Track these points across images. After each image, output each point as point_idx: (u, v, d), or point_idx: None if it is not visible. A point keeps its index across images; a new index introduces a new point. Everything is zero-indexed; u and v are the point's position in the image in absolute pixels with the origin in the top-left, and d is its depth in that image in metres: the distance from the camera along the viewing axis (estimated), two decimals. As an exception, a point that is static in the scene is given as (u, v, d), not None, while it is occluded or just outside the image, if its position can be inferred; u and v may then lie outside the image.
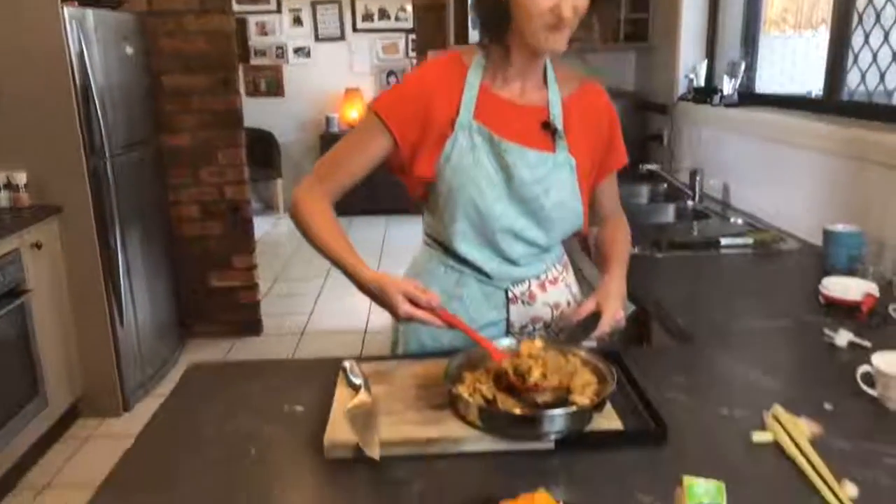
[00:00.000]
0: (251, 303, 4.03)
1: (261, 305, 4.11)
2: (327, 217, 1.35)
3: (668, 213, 2.85)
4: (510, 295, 1.43)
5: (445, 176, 1.33)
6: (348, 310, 4.30)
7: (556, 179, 1.35)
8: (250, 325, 4.04)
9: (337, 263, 1.30)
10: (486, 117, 1.33)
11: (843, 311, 1.56)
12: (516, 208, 1.35)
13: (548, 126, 1.36)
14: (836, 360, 1.37)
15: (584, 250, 2.29)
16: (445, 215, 1.37)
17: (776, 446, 1.06)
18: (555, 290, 1.47)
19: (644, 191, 3.17)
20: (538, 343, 1.21)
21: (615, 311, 1.31)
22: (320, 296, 4.73)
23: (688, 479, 0.78)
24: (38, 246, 2.78)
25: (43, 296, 2.83)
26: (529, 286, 1.44)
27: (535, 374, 1.13)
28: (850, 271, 1.75)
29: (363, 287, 1.26)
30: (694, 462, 0.88)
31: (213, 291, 3.95)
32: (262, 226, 5.97)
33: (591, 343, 1.34)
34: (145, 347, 3.37)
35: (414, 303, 1.20)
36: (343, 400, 1.16)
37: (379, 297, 1.23)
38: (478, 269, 1.41)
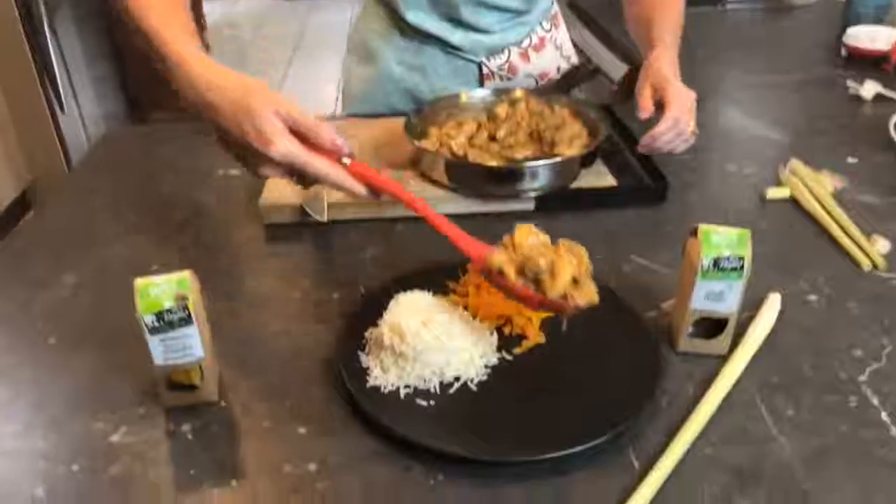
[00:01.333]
0: (208, 89, 3.72)
1: (219, 93, 3.80)
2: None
3: (667, -27, 2.52)
4: (485, 70, 1.15)
5: None
6: (314, 98, 4.01)
7: None
8: (209, 113, 3.76)
9: (159, 53, 0.74)
10: None
11: (869, 63, 1.36)
12: None
13: None
14: (861, 112, 1.19)
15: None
16: None
17: (793, 202, 0.91)
18: (540, 58, 1.18)
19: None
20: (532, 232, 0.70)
21: (688, 97, 0.91)
22: (284, 84, 4.40)
23: (704, 227, 0.63)
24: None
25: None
26: (509, 56, 1.16)
27: (566, 276, 0.65)
28: (878, 20, 1.52)
29: (198, 93, 0.70)
30: (697, 221, 0.73)
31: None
32: (216, 8, 5.40)
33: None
34: (95, 137, 3.13)
35: (299, 136, 0.67)
36: (286, 160, 0.98)
37: (231, 115, 0.67)
38: (442, 41, 1.12)
